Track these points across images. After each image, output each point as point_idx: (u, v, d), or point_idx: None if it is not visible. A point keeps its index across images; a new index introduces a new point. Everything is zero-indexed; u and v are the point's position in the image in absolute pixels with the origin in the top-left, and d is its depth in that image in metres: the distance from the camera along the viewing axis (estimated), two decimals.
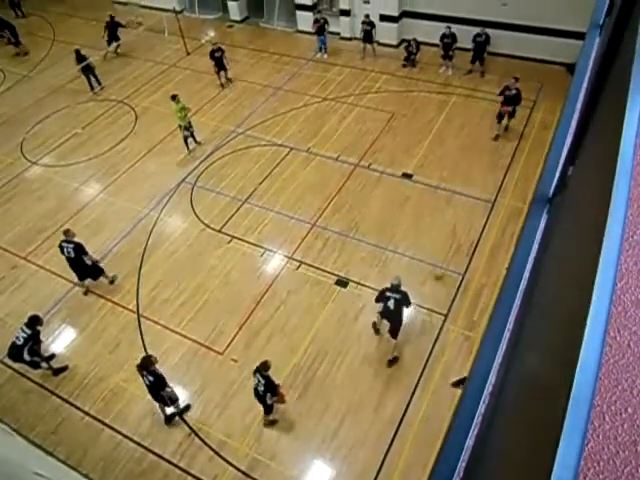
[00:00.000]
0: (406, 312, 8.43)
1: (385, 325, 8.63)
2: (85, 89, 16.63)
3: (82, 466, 7.74)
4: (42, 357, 8.72)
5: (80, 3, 22.89)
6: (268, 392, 7.41)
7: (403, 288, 8.26)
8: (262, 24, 20.01)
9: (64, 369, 9.00)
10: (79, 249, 9.68)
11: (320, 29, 16.85)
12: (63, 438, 8.14)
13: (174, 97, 12.89)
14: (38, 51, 19.53)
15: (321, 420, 8.01)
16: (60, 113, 15.89)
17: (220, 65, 16.00)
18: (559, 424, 0.83)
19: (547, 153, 2.66)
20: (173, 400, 7.99)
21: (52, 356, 9.12)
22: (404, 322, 8.43)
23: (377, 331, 8.98)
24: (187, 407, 8.36)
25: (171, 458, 7.75)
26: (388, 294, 8.18)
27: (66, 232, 9.83)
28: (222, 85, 16.37)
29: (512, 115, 12.84)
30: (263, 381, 7.37)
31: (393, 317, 8.30)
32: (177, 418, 8.21)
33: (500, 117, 12.80)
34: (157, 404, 8.01)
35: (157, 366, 7.76)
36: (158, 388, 7.73)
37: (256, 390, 7.51)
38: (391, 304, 8.12)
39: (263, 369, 7.43)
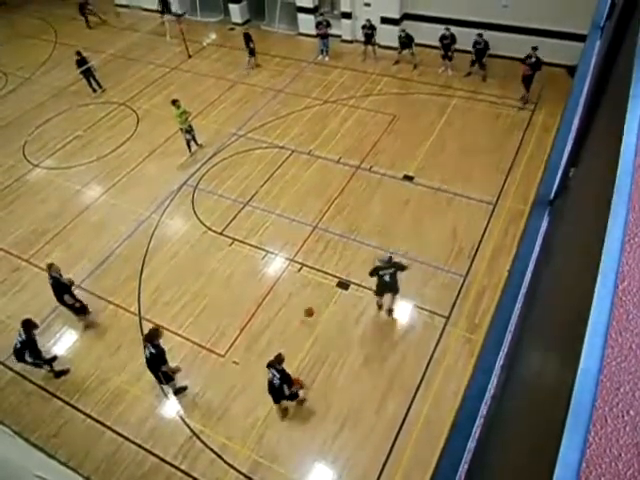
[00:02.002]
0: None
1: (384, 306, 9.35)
2: (87, 92, 16.69)
3: (83, 469, 7.74)
4: (43, 359, 8.73)
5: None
6: (284, 384, 7.50)
7: (402, 293, 8.48)
8: (263, 27, 20.06)
9: (66, 372, 9.01)
10: (59, 285, 9.25)
11: (322, 31, 16.93)
12: (64, 441, 8.14)
13: (174, 102, 12.94)
14: (40, 54, 19.60)
15: (322, 422, 8.00)
16: (62, 116, 15.94)
17: (250, 50, 16.99)
18: (561, 426, 0.83)
19: (548, 155, 2.67)
20: (168, 379, 8.10)
21: (54, 358, 9.13)
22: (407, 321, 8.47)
23: (380, 307, 9.44)
24: (184, 388, 8.47)
25: (173, 461, 7.75)
26: (381, 272, 8.55)
27: (49, 266, 9.34)
28: (252, 67, 17.38)
29: (531, 81, 14.00)
30: (278, 375, 7.46)
31: (392, 287, 8.87)
32: (180, 420, 8.21)
33: (524, 79, 14.06)
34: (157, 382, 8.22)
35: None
36: (158, 363, 7.81)
37: (271, 384, 7.53)
38: (387, 277, 8.58)
39: (277, 362, 7.54)
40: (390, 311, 9.36)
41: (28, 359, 8.42)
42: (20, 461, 6.96)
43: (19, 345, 8.35)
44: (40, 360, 8.63)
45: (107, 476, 7.67)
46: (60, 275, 9.39)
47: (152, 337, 7.84)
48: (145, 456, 7.84)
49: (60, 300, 9.36)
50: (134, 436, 8.09)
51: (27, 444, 7.83)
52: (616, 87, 2.21)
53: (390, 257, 8.62)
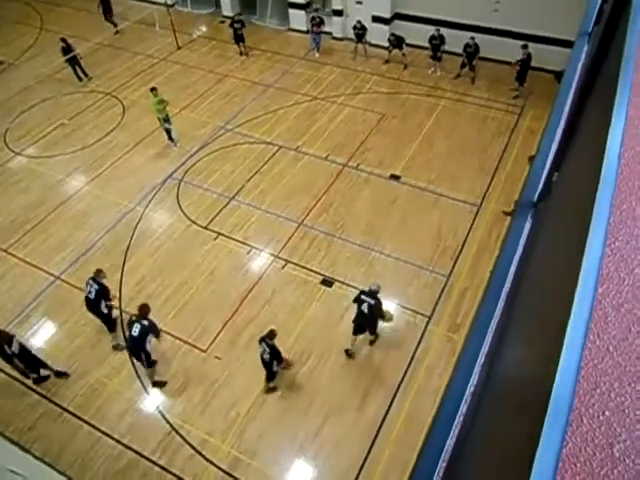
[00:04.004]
0: (381, 323, 8.50)
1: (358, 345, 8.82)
2: (72, 80, 16.40)
3: (59, 463, 7.62)
4: (30, 368, 8.40)
5: None
6: (274, 359, 7.77)
7: (386, 292, 8.30)
8: (254, 21, 19.93)
9: (47, 378, 8.61)
10: (101, 294, 8.64)
11: (319, 26, 16.97)
12: (40, 434, 8.01)
13: (152, 89, 12.82)
14: (25, 39, 19.19)
15: (304, 419, 8.01)
16: (46, 103, 15.64)
17: (237, 37, 17.19)
18: (538, 425, 0.84)
19: (533, 158, 2.70)
20: (149, 362, 8.19)
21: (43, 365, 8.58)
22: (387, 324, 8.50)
23: (351, 354, 8.73)
24: (164, 383, 8.49)
25: (150, 456, 7.68)
26: (363, 297, 8.19)
27: (96, 272, 8.80)
28: (241, 53, 17.70)
29: (523, 78, 14.58)
30: (268, 349, 7.71)
31: (366, 321, 8.35)
32: (159, 414, 8.15)
33: (517, 76, 14.70)
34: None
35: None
36: (141, 342, 7.84)
37: (262, 358, 7.82)
38: (365, 307, 8.13)
39: (268, 337, 7.76)
40: (371, 342, 8.89)
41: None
42: None
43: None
44: (29, 368, 8.34)
45: (83, 471, 7.57)
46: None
47: (146, 311, 8.01)
48: (122, 451, 7.76)
49: (95, 309, 8.71)
50: (112, 430, 7.99)
51: (1, 438, 7.68)
52: (601, 93, 2.24)
53: (377, 289, 8.21)
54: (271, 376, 8.13)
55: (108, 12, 18.99)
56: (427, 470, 1.35)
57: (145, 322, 7.87)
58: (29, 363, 8.26)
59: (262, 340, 7.80)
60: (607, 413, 1.09)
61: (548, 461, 0.80)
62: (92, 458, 7.70)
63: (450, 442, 1.45)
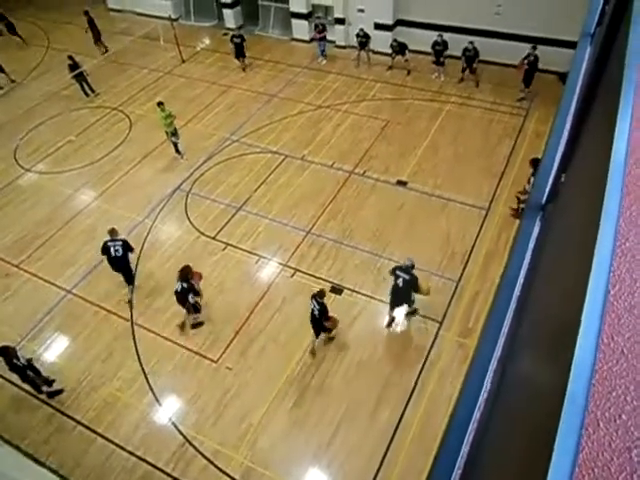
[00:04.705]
0: (416, 296, 8.91)
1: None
2: (79, 96, 16.64)
3: (74, 476, 7.65)
4: (43, 378, 8.51)
5: (75, 11, 22.85)
6: (322, 316, 8.41)
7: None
8: (257, 32, 20.13)
9: (60, 392, 8.70)
10: (127, 246, 9.68)
11: (321, 33, 17.15)
12: (55, 448, 8.04)
13: (160, 104, 12.95)
14: (32, 58, 19.51)
15: (316, 428, 7.97)
16: (54, 120, 15.87)
17: (239, 51, 17.14)
18: (553, 431, 0.83)
19: (540, 161, 2.69)
20: (196, 309, 9.25)
21: (52, 381, 8.74)
22: (402, 327, 8.46)
23: (389, 323, 9.31)
24: (201, 323, 9.50)
25: (164, 467, 7.68)
26: (398, 272, 8.61)
27: (112, 231, 9.68)
28: (243, 69, 17.59)
29: (530, 80, 14.47)
30: (318, 306, 8.35)
31: (401, 295, 8.79)
32: (172, 426, 8.15)
33: (524, 77, 14.54)
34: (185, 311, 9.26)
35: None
36: (186, 295, 8.88)
37: (312, 314, 8.47)
38: (400, 282, 8.58)
39: (319, 296, 8.41)
40: (408, 313, 9.34)
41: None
42: (7, 470, 6.87)
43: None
44: (39, 380, 8.44)
45: None
46: None
47: (187, 273, 8.91)
48: (137, 463, 7.76)
49: (123, 264, 9.83)
50: (125, 443, 8.00)
51: (17, 451, 7.72)
52: (606, 93, 2.23)
53: (412, 265, 8.66)
54: (322, 330, 8.68)
55: (97, 36, 18.95)
56: (443, 477, 1.34)
57: (185, 284, 8.84)
58: (37, 373, 8.36)
59: (313, 297, 8.47)
60: (624, 417, 1.07)
61: (564, 467, 0.79)
62: (107, 471, 7.71)
63: (465, 448, 1.44)
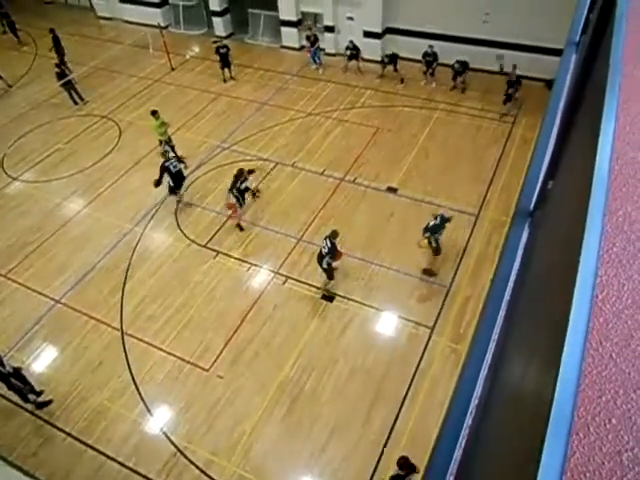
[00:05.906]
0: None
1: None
2: (67, 104, 16.54)
3: None
4: (27, 390, 8.37)
5: (64, 19, 22.84)
6: (329, 254, 9.24)
7: (387, 304, 8.85)
8: (247, 40, 20.20)
9: (49, 403, 8.56)
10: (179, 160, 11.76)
11: (313, 44, 17.23)
12: (44, 460, 7.91)
13: (154, 113, 12.92)
14: (20, 66, 19.38)
15: (309, 436, 7.93)
16: (42, 128, 15.75)
17: (225, 61, 16.95)
18: (542, 436, 0.83)
19: (527, 167, 2.72)
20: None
21: (40, 392, 8.57)
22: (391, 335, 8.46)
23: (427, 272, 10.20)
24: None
25: (156, 478, 7.58)
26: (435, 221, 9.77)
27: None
28: (225, 80, 17.36)
29: (512, 97, 14.54)
30: (330, 245, 9.20)
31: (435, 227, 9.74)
32: (163, 436, 8.06)
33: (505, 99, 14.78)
34: None
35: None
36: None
37: (320, 253, 9.37)
38: (438, 219, 9.75)
39: (332, 237, 9.34)
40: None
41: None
42: None
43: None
44: (25, 388, 8.30)
45: None
46: None
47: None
48: (128, 475, 7.65)
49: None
50: (116, 454, 7.90)
51: (4, 464, 7.57)
52: (591, 100, 2.27)
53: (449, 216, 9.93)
54: (329, 276, 9.67)
55: (61, 56, 17.92)
56: None
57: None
58: (25, 381, 8.22)
59: (326, 237, 9.31)
60: (614, 421, 1.08)
61: (553, 471, 0.79)
62: None
63: (457, 454, 1.44)
